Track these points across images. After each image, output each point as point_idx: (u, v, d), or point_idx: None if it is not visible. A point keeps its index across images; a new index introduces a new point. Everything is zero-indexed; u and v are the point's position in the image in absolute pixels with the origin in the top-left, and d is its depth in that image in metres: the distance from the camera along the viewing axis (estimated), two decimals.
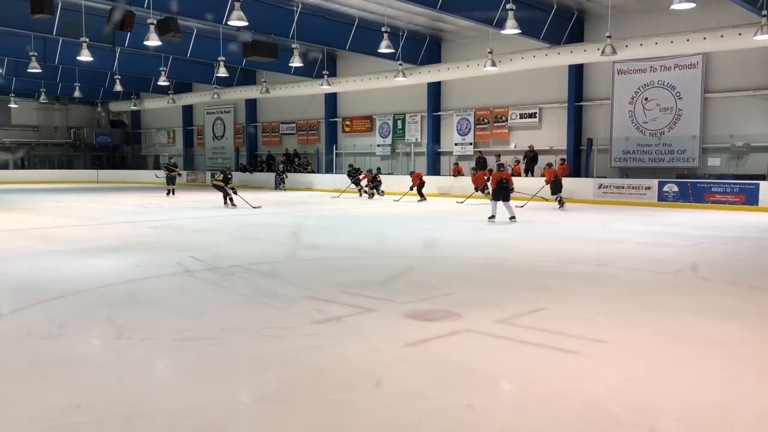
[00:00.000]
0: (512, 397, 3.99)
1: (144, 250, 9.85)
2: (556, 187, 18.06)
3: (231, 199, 17.77)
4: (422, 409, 3.64)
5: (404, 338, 4.96)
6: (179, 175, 25.14)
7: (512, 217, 13.71)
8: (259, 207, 17.17)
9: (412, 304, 6.10)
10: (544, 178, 18.76)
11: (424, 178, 22.38)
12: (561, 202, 17.89)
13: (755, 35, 15.60)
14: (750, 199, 17.65)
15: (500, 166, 15.54)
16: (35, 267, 8.28)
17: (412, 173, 22.80)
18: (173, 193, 23.51)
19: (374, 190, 23.36)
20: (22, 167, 38.70)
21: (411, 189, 21.82)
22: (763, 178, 18.20)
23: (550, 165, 18.88)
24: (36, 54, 22.56)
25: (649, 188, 19.44)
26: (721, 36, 17.12)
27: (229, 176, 18.35)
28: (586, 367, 4.39)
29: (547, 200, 18.94)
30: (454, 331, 5.17)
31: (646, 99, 20.94)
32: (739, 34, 16.68)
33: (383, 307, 5.97)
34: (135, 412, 3.58)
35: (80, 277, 7.63)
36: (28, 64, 22.64)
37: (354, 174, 24.96)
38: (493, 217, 13.82)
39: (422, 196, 21.64)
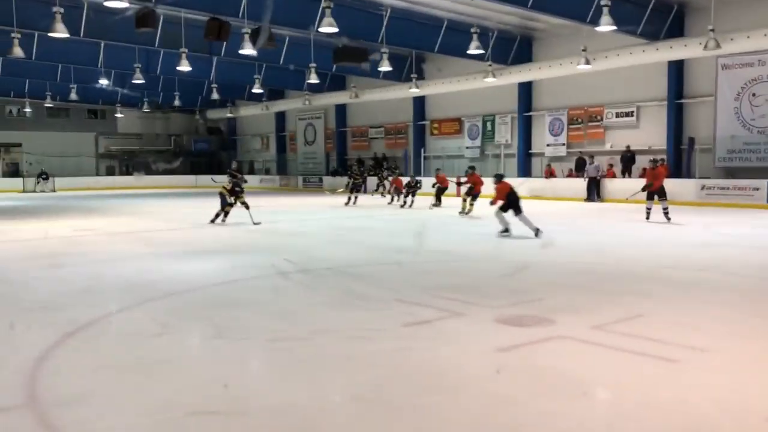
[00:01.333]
0: (608, 406, 3.85)
1: (240, 252, 10.18)
2: (662, 191, 14.24)
3: (226, 214, 14.58)
4: (514, 414, 3.58)
5: (495, 343, 4.89)
6: (246, 181, 20.29)
7: (538, 230, 11.44)
8: (259, 223, 14.15)
9: (503, 308, 6.01)
10: (648, 181, 14.45)
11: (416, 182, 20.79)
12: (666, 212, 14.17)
13: None
14: None
15: (499, 177, 12.45)
16: (139, 268, 8.71)
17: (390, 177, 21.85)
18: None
19: (355, 192, 21.43)
20: (127, 173, 40.96)
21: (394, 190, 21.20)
22: None
23: (656, 162, 15.12)
24: (140, 65, 23.85)
25: (758, 189, 18.34)
26: None
27: (239, 187, 14.96)
28: (687, 377, 4.18)
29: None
30: (547, 337, 5.05)
31: (754, 95, 19.76)
32: None
33: (473, 312, 5.91)
34: (233, 409, 3.69)
35: (181, 278, 7.97)
36: (132, 75, 23.95)
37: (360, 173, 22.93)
38: (506, 231, 11.69)
39: (392, 199, 21.13)
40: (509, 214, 11.68)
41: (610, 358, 4.59)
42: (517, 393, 3.90)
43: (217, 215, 14.51)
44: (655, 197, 14.31)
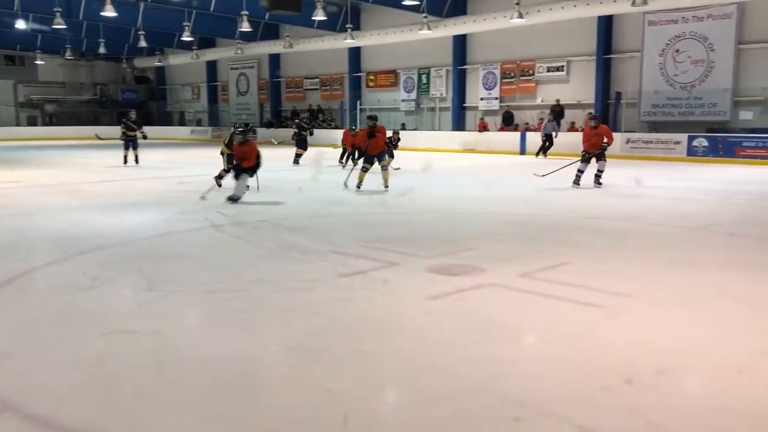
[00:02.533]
0: (534, 348, 4.05)
1: (172, 205, 10.00)
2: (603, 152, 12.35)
3: (220, 178, 11.69)
4: (448, 359, 3.71)
5: (428, 291, 5.03)
6: (144, 137, 17.96)
7: (232, 198, 10.05)
8: (203, 198, 10.55)
9: (435, 258, 6.16)
10: (588, 143, 12.29)
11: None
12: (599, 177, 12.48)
13: None
14: None
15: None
16: (67, 221, 8.47)
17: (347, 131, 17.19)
18: (137, 161, 17.29)
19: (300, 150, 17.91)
20: (50, 123, 39.17)
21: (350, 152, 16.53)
22: None
23: (597, 120, 12.79)
24: (60, 10, 22.61)
25: (678, 143, 19.12)
26: None
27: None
28: (608, 321, 4.42)
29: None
30: (477, 284, 5.22)
31: (677, 51, 20.42)
32: None
33: (407, 262, 6.04)
34: (169, 360, 3.70)
35: (111, 231, 7.80)
36: (52, 20, 22.71)
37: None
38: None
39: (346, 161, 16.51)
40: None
41: (537, 304, 4.79)
42: (449, 338, 4.04)
43: (220, 177, 11.72)
44: (593, 159, 12.28)
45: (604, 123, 17.66)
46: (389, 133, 15.57)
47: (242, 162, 10.21)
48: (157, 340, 4.04)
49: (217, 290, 5.16)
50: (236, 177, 10.17)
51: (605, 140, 12.26)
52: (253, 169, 10.40)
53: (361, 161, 12.14)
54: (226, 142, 12.53)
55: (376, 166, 11.82)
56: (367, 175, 11.79)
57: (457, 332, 4.16)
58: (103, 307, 4.76)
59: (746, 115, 19.48)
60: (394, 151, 15.92)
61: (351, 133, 15.97)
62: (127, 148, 17.39)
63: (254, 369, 3.60)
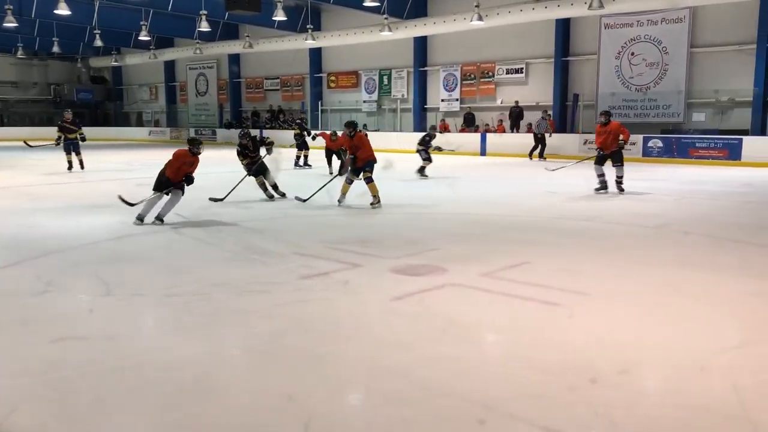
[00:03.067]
0: (496, 348, 4.08)
1: (129, 207, 9.78)
2: (619, 154, 11.50)
3: (263, 188, 11.08)
4: (409, 359, 3.71)
5: (391, 292, 5.02)
6: (83, 138, 15.74)
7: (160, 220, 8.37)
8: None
9: (398, 259, 6.16)
10: (600, 140, 11.58)
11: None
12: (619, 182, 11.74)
13: None
14: (733, 154, 17.79)
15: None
16: (21, 224, 8.25)
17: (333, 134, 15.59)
18: (82, 166, 15.70)
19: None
20: (1, 124, 38.04)
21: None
22: (746, 133, 18.32)
23: (609, 116, 11.95)
24: (11, 8, 22.00)
25: (634, 144, 19.46)
26: None
27: (248, 150, 11.09)
28: (568, 319, 4.47)
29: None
30: (439, 284, 5.24)
31: (633, 54, 20.85)
32: None
33: (370, 263, 6.03)
34: (126, 365, 3.62)
35: (67, 234, 7.62)
36: (3, 18, 22.07)
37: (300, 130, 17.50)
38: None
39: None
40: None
41: (499, 304, 4.83)
42: (412, 339, 4.04)
43: (272, 188, 11.13)
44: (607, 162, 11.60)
45: (552, 123, 17.72)
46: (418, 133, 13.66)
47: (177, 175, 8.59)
48: (114, 344, 3.95)
49: (176, 294, 5.07)
50: (157, 189, 8.57)
51: (621, 138, 11.25)
52: (179, 187, 8.62)
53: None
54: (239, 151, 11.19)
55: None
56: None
57: (420, 333, 4.16)
58: (58, 311, 4.64)
59: (699, 117, 19.99)
60: (434, 155, 14.77)
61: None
62: (68, 152, 15.47)
63: (213, 373, 3.54)
